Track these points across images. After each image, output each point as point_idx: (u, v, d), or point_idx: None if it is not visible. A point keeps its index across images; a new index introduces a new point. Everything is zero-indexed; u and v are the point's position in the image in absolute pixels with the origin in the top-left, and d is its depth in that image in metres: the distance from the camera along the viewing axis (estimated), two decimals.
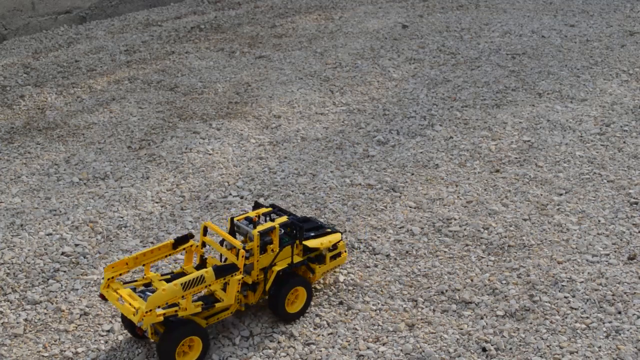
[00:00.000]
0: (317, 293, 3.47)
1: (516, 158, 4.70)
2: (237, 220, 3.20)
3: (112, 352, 3.11)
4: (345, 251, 3.44)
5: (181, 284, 2.88)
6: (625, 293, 3.40)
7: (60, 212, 4.21)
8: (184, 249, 3.19)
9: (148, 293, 2.98)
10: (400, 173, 4.56)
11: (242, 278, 3.09)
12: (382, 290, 3.48)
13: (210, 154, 4.86)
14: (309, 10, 8.24)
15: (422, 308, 3.36)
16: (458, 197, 4.28)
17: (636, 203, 4.15)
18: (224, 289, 3.13)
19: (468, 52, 6.66)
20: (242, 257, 3.02)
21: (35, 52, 7.02)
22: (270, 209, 3.32)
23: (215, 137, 5.10)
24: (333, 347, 3.13)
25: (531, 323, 3.23)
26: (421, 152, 4.81)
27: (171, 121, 5.38)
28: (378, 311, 3.34)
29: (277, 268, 3.15)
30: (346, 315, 3.32)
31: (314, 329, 3.24)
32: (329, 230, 3.40)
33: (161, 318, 2.86)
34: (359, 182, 4.46)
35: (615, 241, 3.81)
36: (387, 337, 3.18)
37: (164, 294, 2.83)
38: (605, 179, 4.42)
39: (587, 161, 4.64)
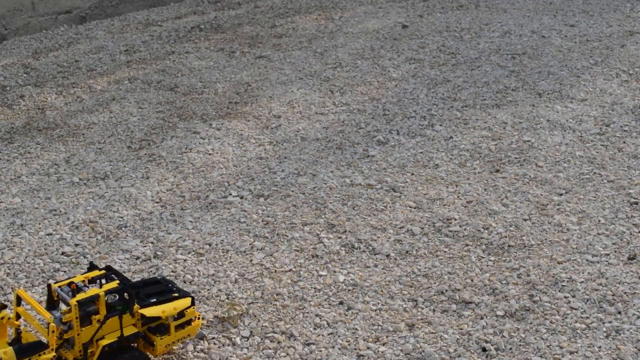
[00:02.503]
0: (317, 293, 3.47)
1: (516, 158, 4.70)
2: (58, 286, 2.79)
3: None
4: (199, 318, 3.01)
5: None
6: (625, 293, 3.40)
7: (60, 212, 4.22)
8: None
9: None
10: (400, 173, 4.56)
11: (56, 356, 2.67)
12: (382, 290, 3.49)
13: (210, 154, 4.86)
14: (309, 10, 8.24)
15: (422, 308, 3.36)
16: (458, 197, 4.28)
17: (636, 203, 4.15)
18: None
19: (468, 52, 6.66)
20: (52, 332, 2.62)
21: (35, 52, 7.02)
22: (104, 271, 2.94)
23: (215, 137, 5.10)
24: (333, 347, 3.13)
25: (531, 323, 3.23)
26: (421, 152, 4.81)
27: (171, 121, 5.38)
28: (378, 311, 3.34)
29: (103, 342, 2.73)
30: (346, 315, 3.32)
31: (314, 329, 3.24)
32: (176, 295, 2.95)
33: None
34: (359, 182, 4.46)
35: (615, 241, 3.81)
36: (387, 337, 3.18)
37: None
38: (605, 179, 4.42)
39: (587, 161, 4.64)
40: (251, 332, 3.21)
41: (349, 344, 3.14)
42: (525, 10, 7.96)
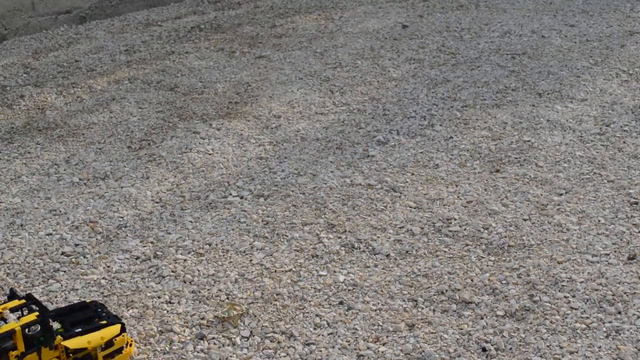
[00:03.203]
0: (317, 293, 3.47)
1: (516, 158, 4.70)
2: None
3: None
4: (130, 344, 2.86)
5: None
6: (625, 293, 3.40)
7: (60, 212, 4.22)
8: None
9: None
10: (400, 173, 4.56)
11: None
12: (382, 290, 3.49)
13: (210, 154, 4.86)
14: (309, 10, 8.24)
15: (422, 308, 3.36)
16: (458, 197, 4.28)
17: (636, 203, 4.15)
18: None
19: (468, 52, 6.66)
20: None
21: (35, 52, 7.02)
22: (23, 301, 2.77)
23: (215, 137, 5.10)
24: (333, 347, 3.13)
25: (531, 323, 3.23)
26: (421, 152, 4.81)
27: (171, 121, 5.38)
28: (378, 311, 3.34)
29: None
30: (346, 315, 3.32)
31: (314, 329, 3.24)
32: (104, 322, 2.78)
33: None
34: (359, 182, 4.46)
35: (615, 241, 3.81)
36: (387, 337, 3.18)
37: None
38: (605, 179, 4.43)
39: (587, 161, 4.65)
40: (251, 332, 3.21)
41: (349, 344, 3.14)
42: (525, 10, 7.96)
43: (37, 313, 2.68)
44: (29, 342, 2.63)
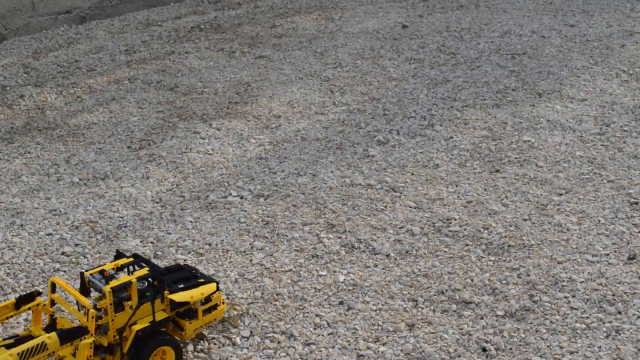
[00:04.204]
0: (317, 293, 3.47)
1: (516, 158, 4.70)
2: (90, 274, 2.88)
3: None
4: (223, 302, 3.12)
5: (17, 354, 2.54)
6: (625, 293, 3.40)
7: (60, 212, 4.22)
8: (29, 308, 2.80)
9: None
10: (400, 173, 4.56)
11: (94, 341, 2.75)
12: (382, 290, 3.49)
13: (210, 154, 4.86)
14: (309, 10, 8.24)
15: (422, 308, 3.36)
16: (458, 197, 4.28)
17: (636, 203, 4.15)
18: (75, 355, 2.75)
19: (468, 52, 6.66)
20: (92, 318, 2.70)
21: (35, 52, 7.02)
22: (131, 259, 3.01)
23: (215, 137, 5.10)
24: (333, 347, 3.13)
25: (531, 323, 3.23)
26: (421, 152, 4.81)
27: (171, 121, 5.38)
28: (378, 311, 3.34)
29: (136, 327, 2.82)
30: (346, 315, 3.32)
31: (314, 329, 3.24)
32: (202, 280, 3.06)
33: None
34: (359, 182, 4.46)
35: (615, 241, 3.81)
36: (387, 337, 3.18)
37: None
38: (605, 179, 4.43)
39: (587, 161, 4.65)
40: (251, 332, 3.21)
41: (349, 344, 3.14)
42: (525, 10, 7.96)
43: (147, 269, 2.92)
44: (139, 294, 2.86)
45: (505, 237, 3.86)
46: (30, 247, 3.88)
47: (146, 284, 2.91)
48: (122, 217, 4.14)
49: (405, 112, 5.42)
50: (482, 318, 3.28)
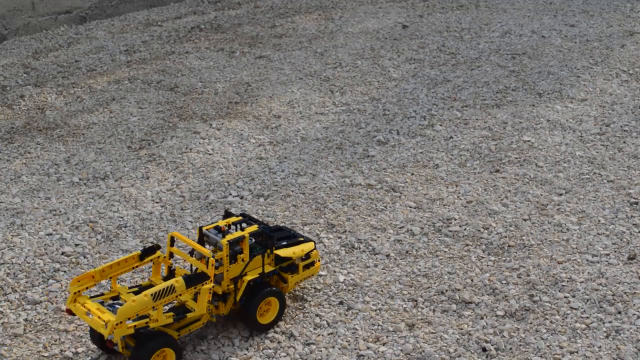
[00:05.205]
0: (317, 293, 3.47)
1: (516, 158, 4.70)
2: (206, 229, 3.15)
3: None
4: (319, 260, 3.38)
5: (151, 295, 2.81)
6: (625, 293, 3.40)
7: (60, 212, 4.22)
8: (151, 260, 3.11)
9: (117, 306, 2.89)
10: (400, 173, 4.56)
11: (213, 287, 3.02)
12: (382, 290, 3.49)
13: (210, 154, 4.86)
14: (309, 10, 8.24)
15: (422, 308, 3.36)
16: (458, 197, 4.28)
17: (636, 203, 4.15)
18: (195, 299, 3.05)
19: (468, 52, 6.66)
20: (212, 265, 2.96)
21: (35, 52, 7.02)
22: (240, 217, 3.27)
23: (215, 137, 5.10)
24: (333, 347, 3.13)
25: (531, 323, 3.23)
26: (421, 152, 4.81)
27: (171, 121, 5.38)
28: (378, 311, 3.34)
29: (247, 278, 3.09)
30: (346, 315, 3.32)
31: (314, 329, 3.24)
32: (301, 239, 3.33)
33: (132, 330, 2.78)
34: (359, 182, 4.46)
35: (615, 241, 3.81)
36: (387, 337, 3.18)
37: (134, 305, 2.76)
38: (605, 179, 4.43)
39: (587, 161, 4.65)
40: (251, 332, 3.21)
41: (349, 344, 3.14)
42: (525, 10, 7.96)
43: (256, 226, 3.17)
44: (251, 249, 3.13)
45: (505, 237, 3.86)
46: (30, 247, 3.88)
47: (253, 240, 3.18)
48: (122, 217, 4.14)
49: (405, 112, 5.42)
50: (482, 318, 3.28)
